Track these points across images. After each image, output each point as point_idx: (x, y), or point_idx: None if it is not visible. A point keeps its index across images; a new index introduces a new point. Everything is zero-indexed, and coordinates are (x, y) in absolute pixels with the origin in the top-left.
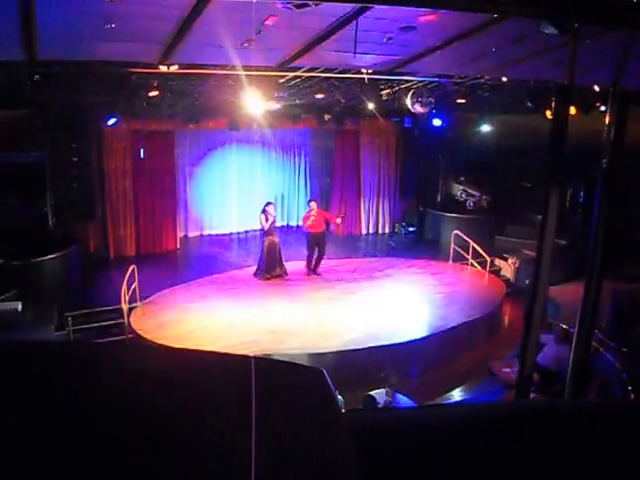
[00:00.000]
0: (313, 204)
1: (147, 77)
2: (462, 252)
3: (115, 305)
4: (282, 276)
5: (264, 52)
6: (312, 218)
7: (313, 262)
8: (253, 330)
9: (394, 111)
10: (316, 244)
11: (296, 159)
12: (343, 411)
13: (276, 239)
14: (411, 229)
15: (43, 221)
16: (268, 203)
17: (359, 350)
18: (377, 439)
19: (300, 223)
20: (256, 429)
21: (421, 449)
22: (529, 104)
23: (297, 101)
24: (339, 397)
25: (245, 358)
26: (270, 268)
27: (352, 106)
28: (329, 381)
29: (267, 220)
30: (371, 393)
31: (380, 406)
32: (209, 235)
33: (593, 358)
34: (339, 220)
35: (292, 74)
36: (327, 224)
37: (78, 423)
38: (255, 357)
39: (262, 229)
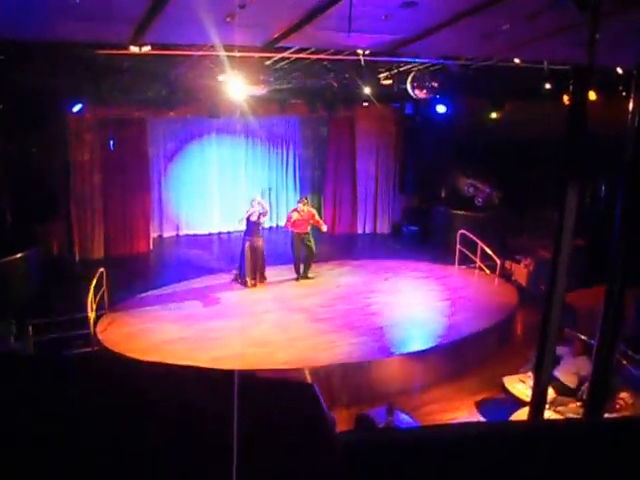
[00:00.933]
0: (301, 205)
1: (116, 59)
2: (469, 254)
3: (80, 313)
4: (262, 282)
5: (248, 29)
6: (296, 216)
7: (301, 265)
8: (237, 342)
9: (394, 96)
10: (302, 245)
11: (284, 151)
12: (336, 431)
13: (260, 241)
14: (412, 228)
15: None
16: (254, 198)
17: (355, 364)
18: (376, 463)
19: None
20: (238, 453)
21: (426, 474)
22: (547, 87)
23: (285, 85)
24: (331, 416)
25: (227, 373)
26: (252, 273)
27: (347, 91)
28: (320, 398)
29: (247, 213)
30: (368, 411)
31: (379, 426)
32: (186, 235)
33: (615, 372)
34: (325, 228)
35: (279, 55)
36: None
37: (50, 444)
38: (238, 372)
39: (245, 229)
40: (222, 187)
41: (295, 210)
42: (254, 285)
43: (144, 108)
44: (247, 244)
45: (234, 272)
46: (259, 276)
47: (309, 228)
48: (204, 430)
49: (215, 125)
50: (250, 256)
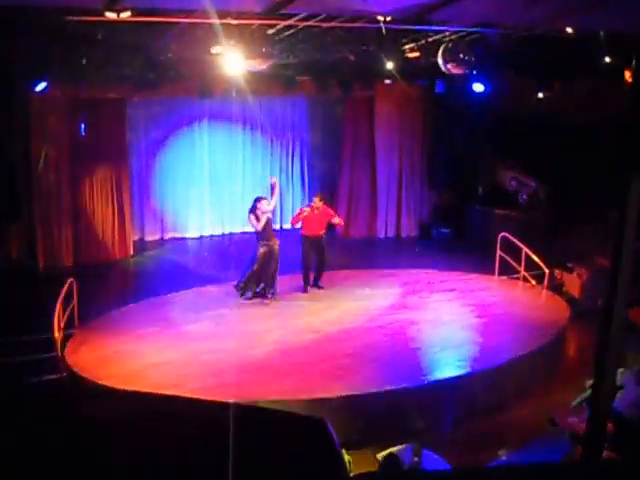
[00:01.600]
0: (317, 200)
1: (89, 28)
2: (512, 261)
3: (45, 333)
4: (267, 296)
5: None
6: (307, 212)
7: (311, 274)
8: (234, 367)
9: (421, 72)
10: (313, 250)
11: (289, 138)
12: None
13: (276, 245)
14: (444, 231)
15: None
16: (258, 198)
17: (374, 394)
18: None
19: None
20: None
21: None
22: (605, 61)
23: (291, 60)
24: (346, 456)
25: (222, 405)
26: (258, 281)
27: (365, 66)
28: (332, 433)
29: (259, 220)
30: (392, 450)
31: (404, 468)
32: (173, 239)
33: None
34: (337, 220)
35: (284, 23)
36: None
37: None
38: (235, 404)
39: (256, 232)
40: (215, 181)
41: (309, 206)
42: (255, 296)
43: (122, 87)
44: (263, 250)
45: (240, 283)
46: (267, 286)
47: (323, 231)
48: (193, 468)
49: (207, 107)
50: (263, 263)
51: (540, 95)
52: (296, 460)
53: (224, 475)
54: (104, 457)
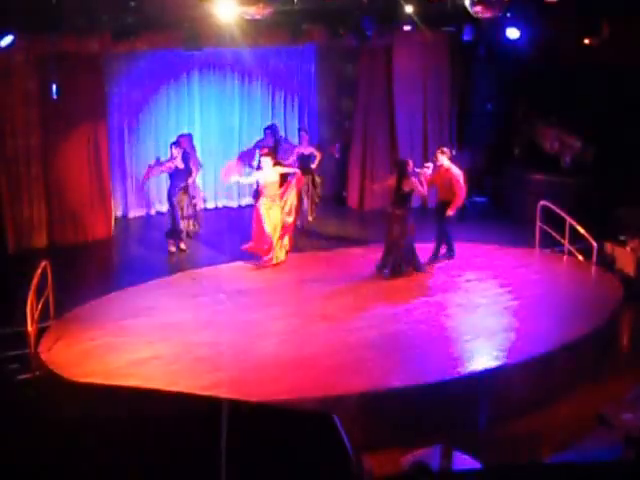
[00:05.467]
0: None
1: None
2: (555, 234)
3: (15, 327)
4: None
5: None
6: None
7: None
8: (233, 362)
9: (446, 17)
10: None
11: (295, 96)
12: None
13: None
14: (477, 199)
15: None
16: (407, 162)
17: (397, 390)
18: None
19: None
20: None
21: None
22: None
23: (295, 3)
24: (367, 460)
25: (213, 401)
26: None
27: (382, 10)
28: (341, 430)
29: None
30: (418, 454)
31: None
32: (159, 214)
33: None
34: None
35: None
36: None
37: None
38: (228, 400)
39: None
40: (207, 147)
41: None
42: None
43: (98, 38)
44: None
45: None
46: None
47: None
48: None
49: (197, 60)
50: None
51: (586, 41)
52: (299, 462)
53: (215, 468)
54: (81, 460)
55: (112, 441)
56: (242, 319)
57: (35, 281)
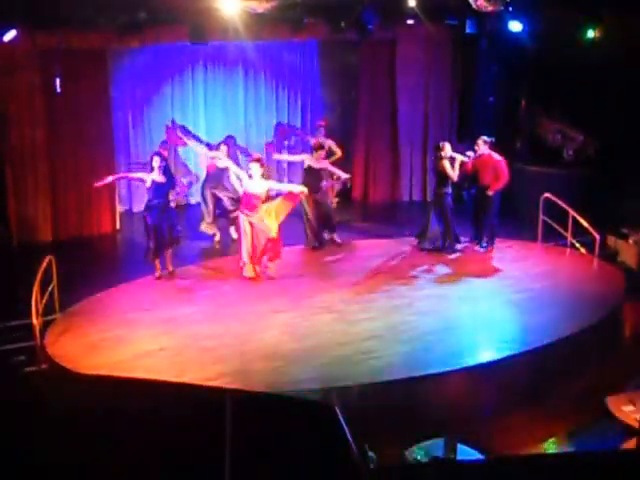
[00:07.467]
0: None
1: None
2: (557, 226)
3: (21, 319)
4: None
5: None
6: None
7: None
8: (238, 354)
9: (449, 10)
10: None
11: (297, 89)
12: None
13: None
14: None
15: None
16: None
17: (399, 381)
18: None
19: None
20: None
21: None
22: None
23: None
24: (371, 454)
25: (217, 392)
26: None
27: (383, 4)
28: (341, 421)
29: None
30: (422, 445)
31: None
32: None
33: None
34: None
35: None
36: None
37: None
38: (231, 391)
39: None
40: (212, 139)
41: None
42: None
43: (103, 34)
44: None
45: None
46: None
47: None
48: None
49: (202, 53)
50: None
51: (589, 33)
52: (300, 451)
53: (219, 470)
54: (87, 451)
55: (117, 432)
56: (246, 311)
57: (40, 274)
